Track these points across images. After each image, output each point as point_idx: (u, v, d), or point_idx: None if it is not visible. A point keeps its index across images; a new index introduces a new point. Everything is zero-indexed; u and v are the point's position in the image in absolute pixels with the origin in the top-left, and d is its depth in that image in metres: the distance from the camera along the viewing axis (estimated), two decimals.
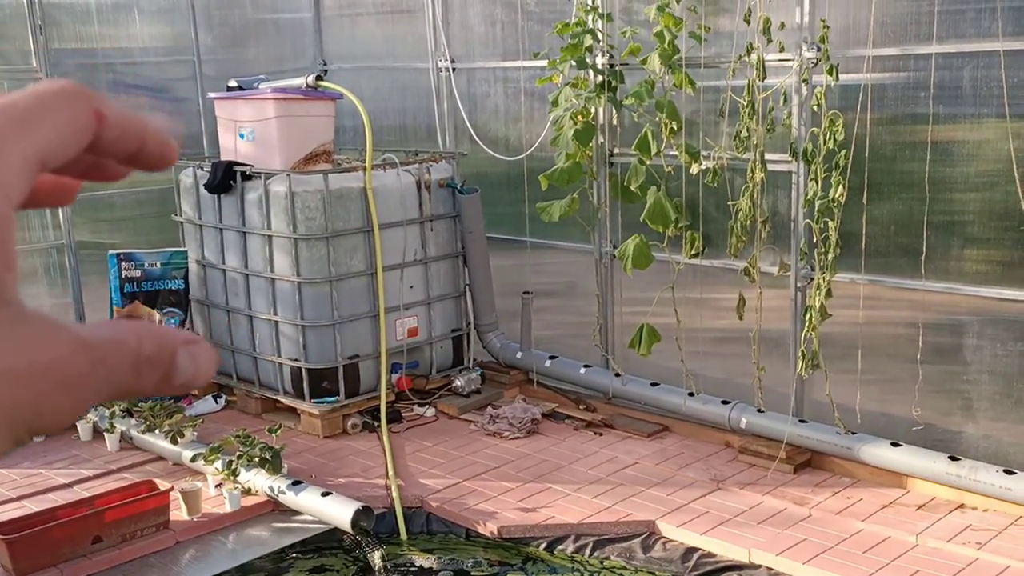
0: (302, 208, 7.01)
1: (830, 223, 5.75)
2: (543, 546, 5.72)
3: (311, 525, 5.97)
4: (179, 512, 5.95)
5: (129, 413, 7.15)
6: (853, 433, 6.09)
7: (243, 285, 7.49)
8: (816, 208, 5.80)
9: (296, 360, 7.28)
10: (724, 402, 6.72)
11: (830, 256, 5.79)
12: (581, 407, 7.58)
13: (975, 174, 5.63)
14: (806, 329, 5.90)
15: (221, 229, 7.55)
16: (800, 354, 5.97)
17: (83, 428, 7.29)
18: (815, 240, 5.89)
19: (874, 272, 6.00)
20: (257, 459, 6.13)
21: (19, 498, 6.35)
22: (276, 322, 7.32)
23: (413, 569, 5.60)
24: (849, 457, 6.10)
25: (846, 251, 5.85)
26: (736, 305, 6.23)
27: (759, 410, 6.52)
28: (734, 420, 6.62)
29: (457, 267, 7.95)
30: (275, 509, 6.16)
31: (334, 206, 7.07)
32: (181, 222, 7.99)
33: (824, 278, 5.82)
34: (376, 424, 7.29)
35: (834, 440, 6.14)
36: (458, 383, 7.81)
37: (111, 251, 7.70)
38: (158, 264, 7.73)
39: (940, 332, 5.90)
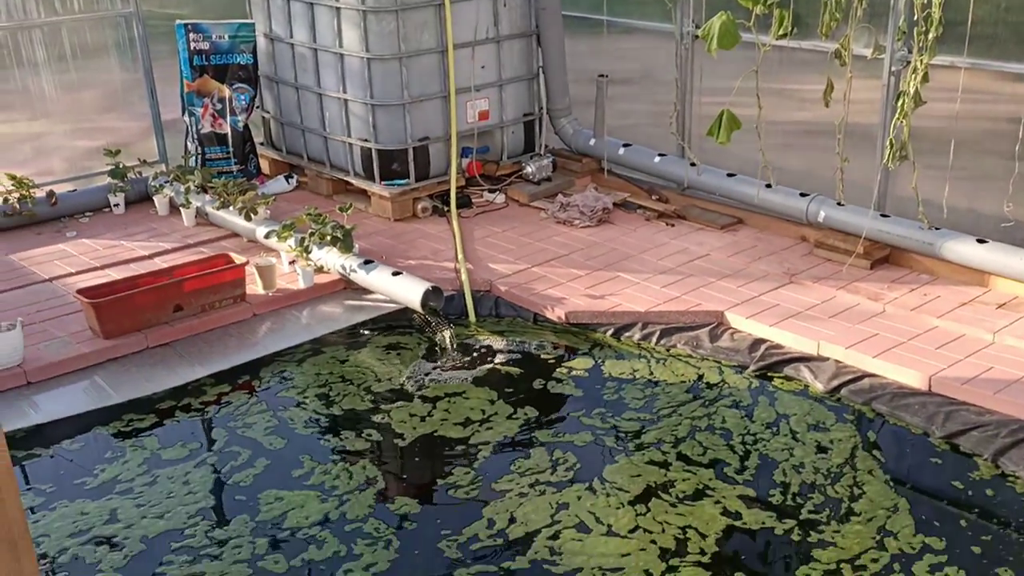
0: None
1: None
2: (610, 333, 5.75)
3: (382, 304, 6.07)
4: (255, 287, 6.09)
5: (204, 189, 7.22)
6: (936, 229, 5.89)
7: (312, 61, 7.33)
8: None
9: (366, 141, 7.20)
10: (803, 195, 6.52)
11: (931, 36, 5.39)
12: (653, 197, 7.45)
13: None
14: (897, 116, 5.60)
15: (289, 1, 7.32)
16: (888, 144, 5.69)
17: (160, 203, 7.40)
18: (916, 18, 5.49)
19: (977, 55, 5.61)
20: (329, 237, 6.18)
21: (103, 267, 6.54)
22: (345, 100, 7.20)
23: (481, 349, 5.70)
24: (930, 253, 5.93)
25: (948, 32, 5.45)
26: (823, 91, 5.90)
27: (839, 203, 6.32)
28: (812, 213, 6.44)
29: (530, 47, 7.66)
30: (347, 287, 6.26)
31: None
32: None
33: (922, 60, 5.45)
34: (446, 208, 7.27)
35: (916, 235, 5.95)
36: (529, 170, 7.69)
37: (178, 21, 7.55)
38: (226, 36, 7.57)
39: None
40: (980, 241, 5.68)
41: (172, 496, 4.40)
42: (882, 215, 6.14)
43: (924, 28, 5.43)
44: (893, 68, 5.97)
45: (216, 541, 4.10)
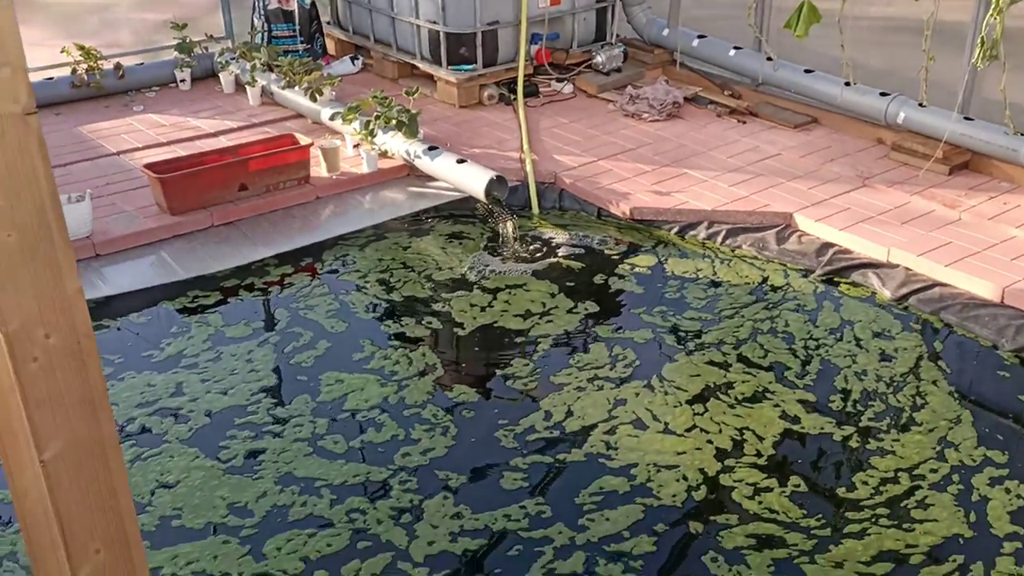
0: None
1: None
2: (674, 231, 5.66)
3: (445, 192, 6.03)
4: (318, 169, 6.07)
5: (269, 68, 7.16)
6: (1022, 134, 5.64)
7: None
8: None
9: (434, 23, 7.05)
10: (883, 94, 6.28)
11: None
12: (726, 93, 7.23)
13: None
14: (991, 12, 5.30)
15: None
16: (979, 42, 5.41)
17: (226, 80, 7.37)
18: None
19: None
20: (394, 121, 6.11)
21: (168, 143, 6.57)
22: None
23: (543, 242, 5.65)
24: (1013, 160, 5.70)
25: None
26: None
27: (920, 104, 6.08)
28: (891, 114, 6.20)
29: None
30: (410, 174, 6.22)
31: None
32: None
33: None
34: (512, 97, 7.14)
35: (1000, 141, 5.71)
36: (599, 59, 7.49)
37: None
38: None
39: None
40: None
41: (235, 373, 4.49)
42: (966, 118, 5.90)
43: None
44: None
45: (278, 419, 4.19)
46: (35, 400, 1.75)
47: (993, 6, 5.29)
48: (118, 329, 4.88)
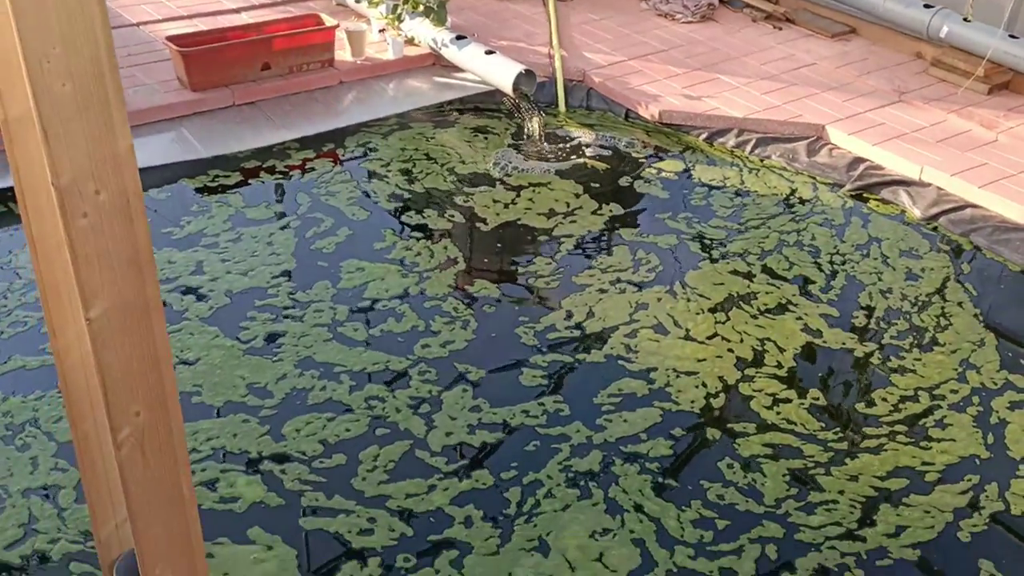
0: None
1: None
2: (703, 137, 5.55)
3: (471, 84, 5.90)
4: (343, 53, 5.93)
5: None
6: None
7: None
8: None
9: None
10: (927, 6, 6.08)
11: None
12: None
13: None
14: None
15: None
16: None
17: None
18: None
19: None
20: (422, 7, 5.94)
21: (190, 16, 6.40)
22: None
23: (568, 141, 5.55)
24: None
25: None
26: None
27: (965, 19, 5.89)
28: (934, 28, 6.02)
29: None
30: (436, 63, 6.07)
31: None
32: None
33: None
34: None
35: None
36: None
37: None
38: None
39: None
40: None
41: (256, 255, 4.45)
42: (1011, 36, 5.72)
43: None
44: None
45: (298, 303, 4.16)
46: (84, 256, 1.71)
47: None
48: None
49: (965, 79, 5.78)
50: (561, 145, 5.49)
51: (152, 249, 1.84)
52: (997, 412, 3.73)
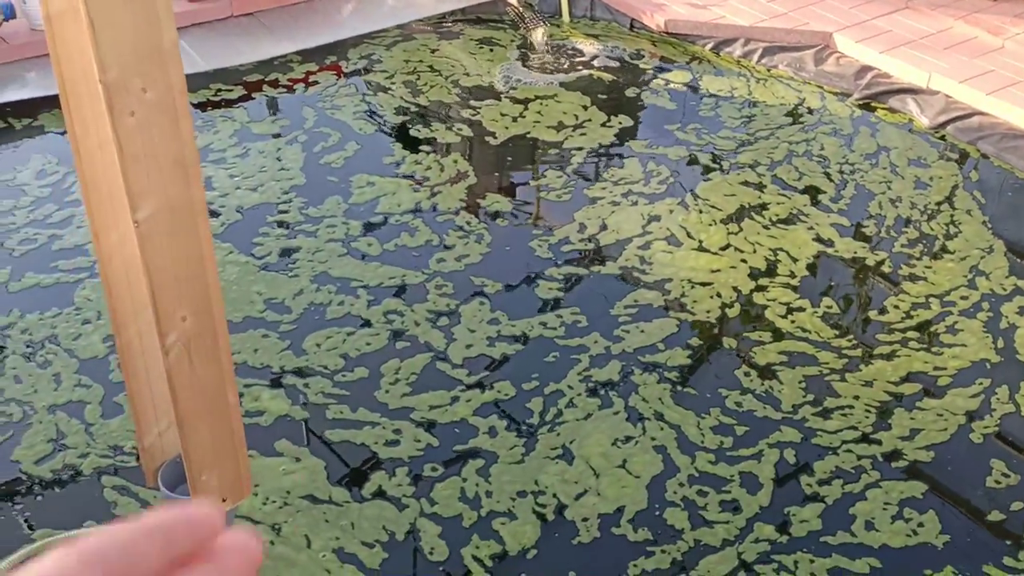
0: None
1: None
2: (709, 46, 5.49)
3: None
4: None
5: None
6: None
7: None
8: None
9: None
10: None
11: None
12: None
13: None
14: None
15: None
16: None
17: None
18: None
19: None
20: None
21: None
22: None
23: (574, 52, 5.48)
24: None
25: None
26: None
27: None
28: None
29: None
30: None
31: None
32: None
33: None
34: None
35: None
36: None
37: None
38: None
39: None
40: None
41: (265, 170, 4.42)
42: None
43: None
44: None
45: (310, 218, 4.15)
46: (132, 156, 1.69)
47: None
48: None
49: None
50: (567, 57, 5.43)
51: (197, 150, 1.82)
52: (1007, 317, 3.79)
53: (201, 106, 4.85)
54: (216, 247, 3.95)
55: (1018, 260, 4.08)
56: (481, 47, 5.47)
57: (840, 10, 5.65)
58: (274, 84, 5.02)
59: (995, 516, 3.03)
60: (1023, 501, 3.08)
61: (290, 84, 5.04)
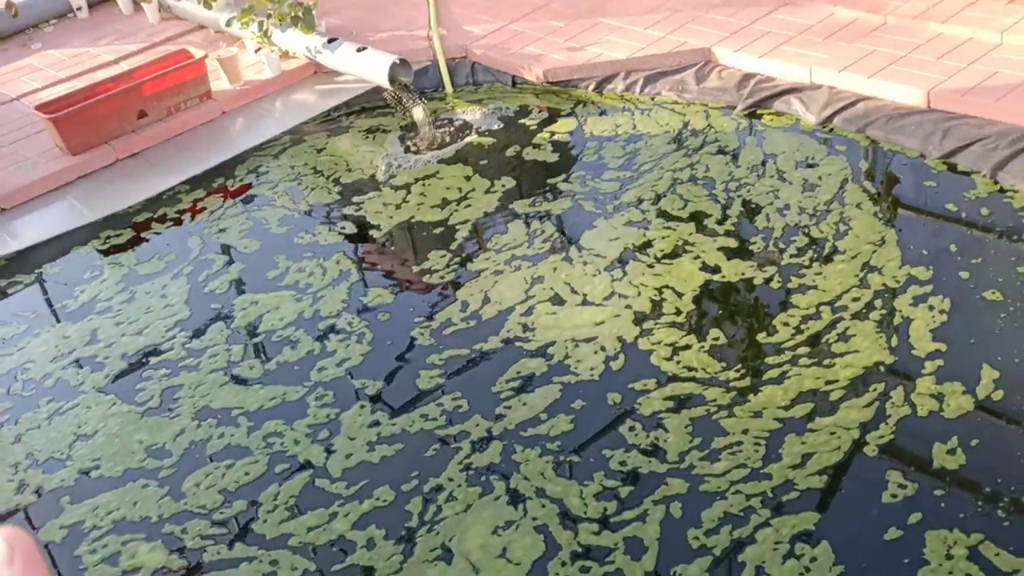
0: None
1: None
2: (591, 87, 5.41)
3: (353, 85, 5.79)
4: (221, 82, 5.83)
5: None
6: None
7: None
8: None
9: None
10: None
11: None
12: None
13: None
14: None
15: None
16: None
17: (123, 1, 7.04)
18: None
19: None
20: (290, 17, 5.82)
21: (69, 78, 6.33)
22: None
23: (457, 122, 5.43)
24: None
25: None
26: None
27: None
28: None
29: None
30: (317, 72, 5.96)
31: None
32: None
33: None
34: None
35: None
36: None
37: None
38: None
39: None
40: None
41: (150, 311, 4.40)
42: None
43: None
44: None
45: (193, 352, 4.11)
46: None
47: None
48: (33, 283, 4.78)
49: None
50: (452, 129, 5.38)
51: None
52: (900, 311, 3.62)
53: (93, 256, 4.86)
54: (99, 402, 3.94)
55: (911, 246, 3.91)
56: (368, 136, 5.45)
57: (718, 21, 5.56)
58: (162, 219, 5.03)
59: (892, 534, 2.86)
60: (921, 511, 2.90)
61: (178, 216, 5.04)
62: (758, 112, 4.94)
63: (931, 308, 3.61)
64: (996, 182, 4.14)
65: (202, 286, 4.50)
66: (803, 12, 5.46)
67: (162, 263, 4.71)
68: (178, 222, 5.01)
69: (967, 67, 4.65)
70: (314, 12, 5.85)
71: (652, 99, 5.25)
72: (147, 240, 4.91)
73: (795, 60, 5.04)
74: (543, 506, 3.16)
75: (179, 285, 4.53)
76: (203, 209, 5.06)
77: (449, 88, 5.73)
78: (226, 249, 4.71)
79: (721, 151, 4.73)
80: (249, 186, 5.20)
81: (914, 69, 4.73)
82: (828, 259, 3.95)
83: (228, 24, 6.17)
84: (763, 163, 4.59)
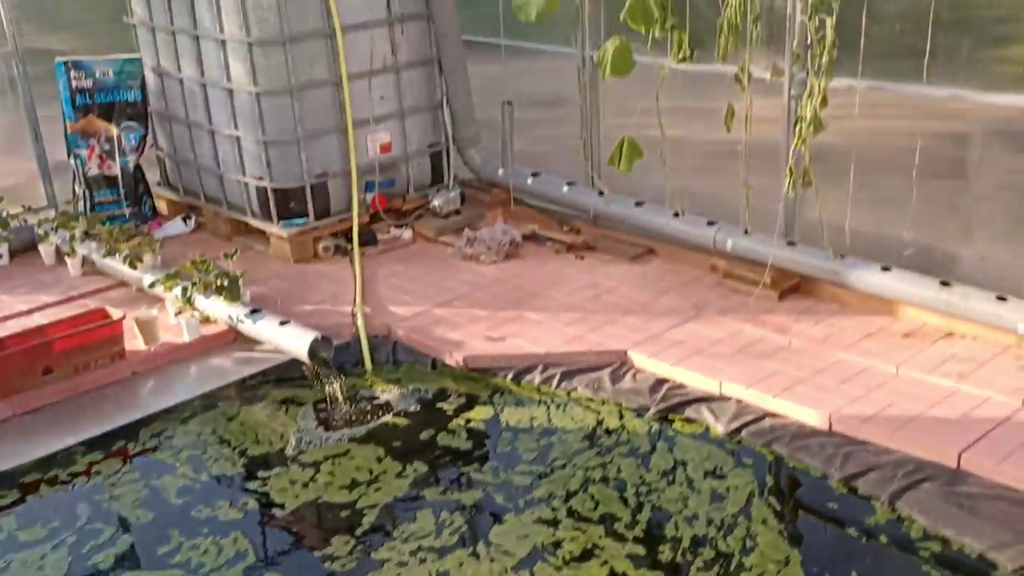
0: (254, 8, 6.45)
1: (827, 20, 5.16)
2: (510, 377, 5.51)
3: (273, 355, 5.78)
4: (137, 342, 5.77)
5: (88, 236, 6.88)
6: (843, 257, 5.71)
7: (201, 97, 7.04)
8: (811, 2, 5.23)
9: (260, 179, 6.92)
10: (710, 223, 6.33)
11: (825, 58, 5.23)
12: (565, 229, 7.24)
13: None
14: (796, 142, 5.43)
15: (174, 33, 7.03)
16: (788, 171, 5.52)
17: (46, 252, 7.07)
18: (810, 41, 5.34)
19: (873, 76, 5.45)
20: (215, 286, 5.89)
21: None
22: (237, 138, 6.91)
23: (373, 401, 5.43)
24: (837, 282, 5.76)
25: (844, 53, 5.29)
26: (724, 116, 5.73)
27: (746, 231, 6.14)
28: (720, 242, 6.25)
29: (432, 75, 7.43)
30: (237, 339, 5.96)
31: (289, 5, 6.51)
32: (133, 25, 7.47)
33: (819, 84, 5.28)
34: (349, 247, 6.99)
35: (822, 264, 5.77)
36: (436, 203, 7.46)
37: (58, 58, 7.21)
38: (110, 73, 7.25)
39: (942, 144, 5.44)
40: (884, 269, 5.52)
41: None
42: (789, 243, 5.97)
43: (819, 50, 5.27)
44: (793, 92, 5.79)
45: None
46: None
47: (797, 137, 5.42)
48: None
49: (755, 287, 5.96)
50: (366, 406, 5.37)
51: None
52: None
53: None
54: None
55: (814, 570, 3.92)
56: (282, 407, 5.39)
57: (635, 326, 5.79)
58: (52, 482, 4.79)
59: None
60: None
61: (70, 479, 4.81)
62: (670, 417, 5.06)
63: None
64: (894, 510, 4.24)
65: (85, 558, 4.22)
66: (714, 326, 5.73)
67: (45, 530, 4.43)
68: (69, 485, 4.77)
69: (866, 395, 4.88)
70: (240, 282, 5.94)
71: (568, 394, 5.35)
72: (32, 504, 4.65)
73: (706, 371, 5.23)
74: None
75: (59, 556, 4.25)
76: (98, 473, 4.85)
77: (369, 365, 5.77)
78: (116, 519, 4.48)
79: (633, 453, 4.78)
80: (152, 450, 5.03)
81: (817, 392, 4.95)
82: (734, 575, 3.92)
83: (152, 286, 6.20)
84: (673, 469, 4.64)
